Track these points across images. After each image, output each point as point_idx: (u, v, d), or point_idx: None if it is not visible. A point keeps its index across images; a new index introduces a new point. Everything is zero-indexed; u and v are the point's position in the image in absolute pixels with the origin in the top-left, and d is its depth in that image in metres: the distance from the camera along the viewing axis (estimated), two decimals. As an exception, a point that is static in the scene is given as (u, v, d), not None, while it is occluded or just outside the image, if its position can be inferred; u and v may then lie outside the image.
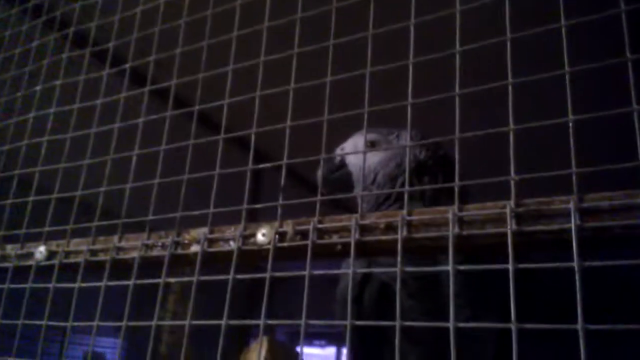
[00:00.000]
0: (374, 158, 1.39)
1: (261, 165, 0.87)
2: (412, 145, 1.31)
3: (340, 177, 1.43)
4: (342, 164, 1.46)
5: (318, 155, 0.79)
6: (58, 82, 1.22)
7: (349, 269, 0.68)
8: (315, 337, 7.08)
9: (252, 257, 0.80)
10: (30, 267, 1.08)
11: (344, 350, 6.62)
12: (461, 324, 0.56)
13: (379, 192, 1.34)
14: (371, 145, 1.41)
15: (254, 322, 0.74)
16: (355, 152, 1.43)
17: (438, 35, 0.86)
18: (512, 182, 0.59)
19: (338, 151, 1.47)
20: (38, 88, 1.25)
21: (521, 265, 0.54)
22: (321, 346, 7.10)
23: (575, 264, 0.51)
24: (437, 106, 0.70)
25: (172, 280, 0.86)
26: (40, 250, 1.08)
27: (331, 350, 7.16)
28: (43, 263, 1.07)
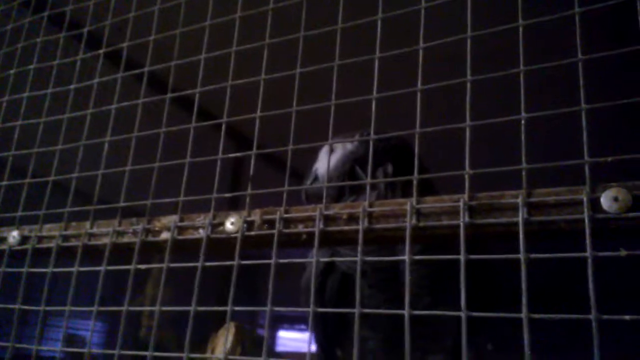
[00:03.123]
0: (331, 164, 1.59)
1: (231, 155, 0.88)
2: (356, 144, 1.54)
3: (317, 190, 1.59)
4: (316, 178, 1.66)
5: (286, 147, 0.80)
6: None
7: (313, 259, 0.70)
8: (297, 322, 7.40)
9: (221, 245, 0.81)
10: (3, 251, 1.08)
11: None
12: (416, 312, 0.58)
13: (336, 184, 1.53)
14: (330, 151, 1.60)
15: (221, 308, 0.75)
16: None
17: (406, 30, 0.87)
18: (467, 176, 0.61)
19: (314, 169, 1.67)
20: (12, 72, 1.25)
21: (472, 257, 0.56)
22: (301, 331, 7.44)
23: (521, 256, 0.54)
24: (402, 100, 0.71)
25: (142, 267, 0.87)
26: (14, 235, 1.08)
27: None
28: (16, 248, 1.07)
